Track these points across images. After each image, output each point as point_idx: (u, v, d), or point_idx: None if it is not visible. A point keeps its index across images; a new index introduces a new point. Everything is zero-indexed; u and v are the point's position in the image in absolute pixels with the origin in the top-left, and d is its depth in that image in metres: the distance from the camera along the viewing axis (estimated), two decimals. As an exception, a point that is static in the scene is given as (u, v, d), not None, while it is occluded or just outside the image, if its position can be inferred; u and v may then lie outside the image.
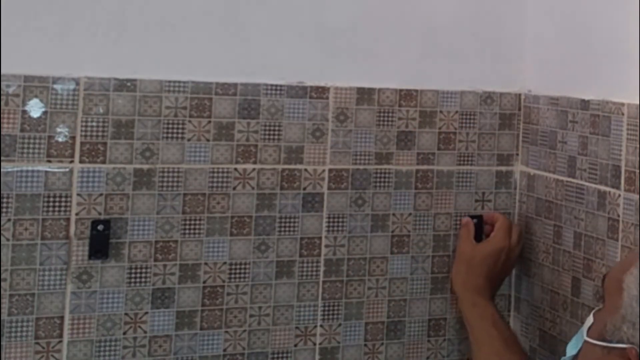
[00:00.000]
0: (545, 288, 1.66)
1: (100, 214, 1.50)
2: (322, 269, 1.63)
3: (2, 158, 1.43)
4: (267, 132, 1.59)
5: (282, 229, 1.60)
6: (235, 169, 1.57)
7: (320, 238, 1.63)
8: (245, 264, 1.58)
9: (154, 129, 1.53)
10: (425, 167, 1.69)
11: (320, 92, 1.62)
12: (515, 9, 1.75)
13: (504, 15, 1.75)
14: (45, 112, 1.46)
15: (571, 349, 1.09)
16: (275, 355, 1.60)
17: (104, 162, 1.50)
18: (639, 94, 1.43)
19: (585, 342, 1.01)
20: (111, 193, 1.50)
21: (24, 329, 1.46)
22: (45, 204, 1.46)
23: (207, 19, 1.56)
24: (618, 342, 0.94)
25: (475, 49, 1.73)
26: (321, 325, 1.63)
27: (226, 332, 1.57)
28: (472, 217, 1.71)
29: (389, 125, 1.67)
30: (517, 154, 1.75)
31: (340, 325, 1.64)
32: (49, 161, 1.47)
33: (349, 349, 1.65)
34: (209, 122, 1.56)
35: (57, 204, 1.47)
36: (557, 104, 1.65)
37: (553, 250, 1.64)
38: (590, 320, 1.04)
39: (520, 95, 1.76)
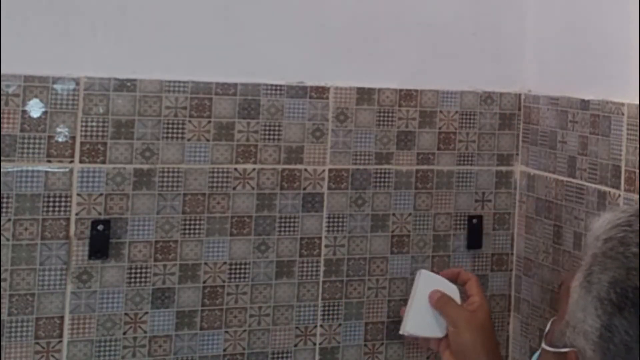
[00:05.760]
0: (545, 288, 1.66)
1: (100, 214, 1.50)
2: (322, 269, 1.63)
3: (2, 158, 1.43)
4: (267, 132, 1.59)
5: (282, 229, 1.60)
6: (235, 169, 1.58)
7: (320, 238, 1.63)
8: (245, 264, 1.58)
9: (154, 129, 1.53)
10: (425, 167, 1.69)
11: (320, 92, 1.62)
12: (515, 9, 1.75)
13: (504, 15, 1.75)
14: (45, 112, 1.46)
15: (535, 357, 1.12)
16: (275, 355, 1.60)
17: (104, 162, 1.50)
18: (639, 94, 1.43)
19: (542, 348, 1.03)
20: (111, 193, 1.50)
21: (24, 329, 1.46)
22: (45, 204, 1.46)
23: (207, 19, 1.56)
24: (563, 346, 0.96)
25: (475, 49, 1.73)
26: (321, 325, 1.63)
27: (226, 332, 1.57)
28: (472, 217, 1.71)
29: (389, 125, 1.67)
30: (517, 154, 1.75)
31: (340, 325, 1.64)
32: (49, 161, 1.47)
33: (349, 349, 1.65)
34: (209, 122, 1.56)
35: (57, 204, 1.47)
36: (557, 104, 1.65)
37: (553, 250, 1.64)
38: (547, 327, 1.06)
39: (520, 95, 1.76)
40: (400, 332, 1.48)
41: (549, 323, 1.06)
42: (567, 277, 1.04)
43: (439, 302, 1.44)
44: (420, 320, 1.47)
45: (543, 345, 1.02)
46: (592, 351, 0.92)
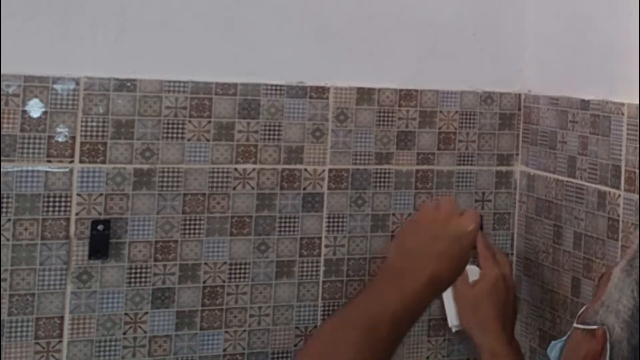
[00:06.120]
0: (545, 288, 1.66)
1: (100, 214, 1.50)
2: (322, 269, 1.63)
3: (2, 158, 1.43)
4: (267, 132, 1.59)
5: (282, 229, 1.60)
6: (235, 169, 1.58)
7: (320, 238, 1.63)
8: (245, 264, 1.58)
9: (154, 129, 1.53)
10: (425, 167, 1.69)
11: (320, 92, 1.62)
12: (515, 9, 1.75)
13: (504, 15, 1.75)
14: (45, 112, 1.46)
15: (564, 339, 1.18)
16: (275, 355, 1.60)
17: (104, 162, 1.50)
18: (639, 94, 1.43)
19: (573, 327, 1.09)
20: (111, 193, 1.50)
21: (24, 329, 1.46)
22: (45, 204, 1.46)
23: (207, 19, 1.56)
24: (594, 324, 1.02)
25: (475, 49, 1.73)
26: (321, 325, 1.63)
27: (226, 332, 1.57)
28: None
29: (389, 125, 1.67)
30: (517, 154, 1.75)
31: (340, 325, 1.64)
32: (49, 161, 1.47)
33: (349, 349, 1.65)
34: (209, 122, 1.56)
35: (57, 204, 1.47)
36: (557, 104, 1.65)
37: (553, 250, 1.64)
38: (581, 310, 1.12)
39: (520, 95, 1.76)
40: (453, 330, 1.59)
41: (584, 307, 1.11)
42: (611, 267, 1.10)
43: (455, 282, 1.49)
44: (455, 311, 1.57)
45: (574, 324, 1.07)
46: (621, 329, 0.98)
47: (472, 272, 1.53)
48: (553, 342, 1.20)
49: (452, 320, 1.60)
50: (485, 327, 1.51)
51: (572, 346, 1.07)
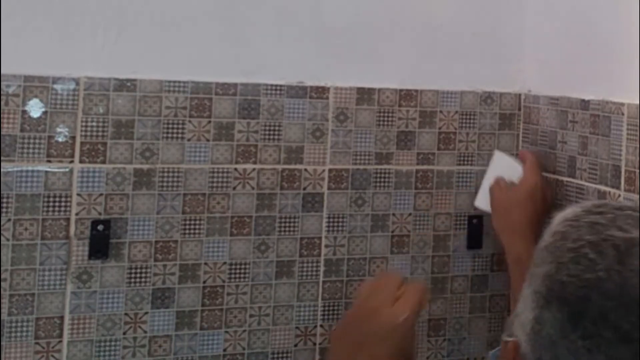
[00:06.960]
0: (545, 288, 1.66)
1: (100, 214, 1.50)
2: (322, 269, 1.63)
3: (2, 158, 1.43)
4: (267, 132, 1.59)
5: (282, 229, 1.60)
6: (235, 169, 1.58)
7: (320, 238, 1.63)
8: (245, 264, 1.58)
9: (154, 129, 1.53)
10: (425, 167, 1.69)
11: (320, 92, 1.62)
12: (515, 9, 1.75)
13: (504, 15, 1.75)
14: (45, 112, 1.46)
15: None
16: (275, 355, 1.60)
17: (104, 162, 1.50)
18: (639, 94, 1.43)
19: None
20: (111, 193, 1.50)
21: (24, 329, 1.46)
22: (45, 204, 1.46)
23: (207, 19, 1.56)
24: (509, 336, 0.96)
25: (475, 49, 1.73)
26: (321, 325, 1.63)
27: (226, 332, 1.57)
28: (472, 217, 1.71)
29: (389, 125, 1.67)
30: (517, 154, 1.75)
31: (340, 325, 1.64)
32: (49, 161, 1.47)
33: (349, 349, 1.65)
34: (209, 122, 1.56)
35: (57, 204, 1.47)
36: (557, 104, 1.65)
37: (553, 250, 1.64)
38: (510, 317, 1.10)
39: (520, 95, 1.76)
40: (475, 204, 1.69)
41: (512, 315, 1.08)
42: None
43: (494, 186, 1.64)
44: (487, 198, 1.66)
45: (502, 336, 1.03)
46: (525, 342, 0.91)
47: (514, 169, 1.63)
48: (492, 352, 1.17)
49: (480, 202, 1.68)
50: (514, 232, 1.57)
51: (501, 356, 1.05)
